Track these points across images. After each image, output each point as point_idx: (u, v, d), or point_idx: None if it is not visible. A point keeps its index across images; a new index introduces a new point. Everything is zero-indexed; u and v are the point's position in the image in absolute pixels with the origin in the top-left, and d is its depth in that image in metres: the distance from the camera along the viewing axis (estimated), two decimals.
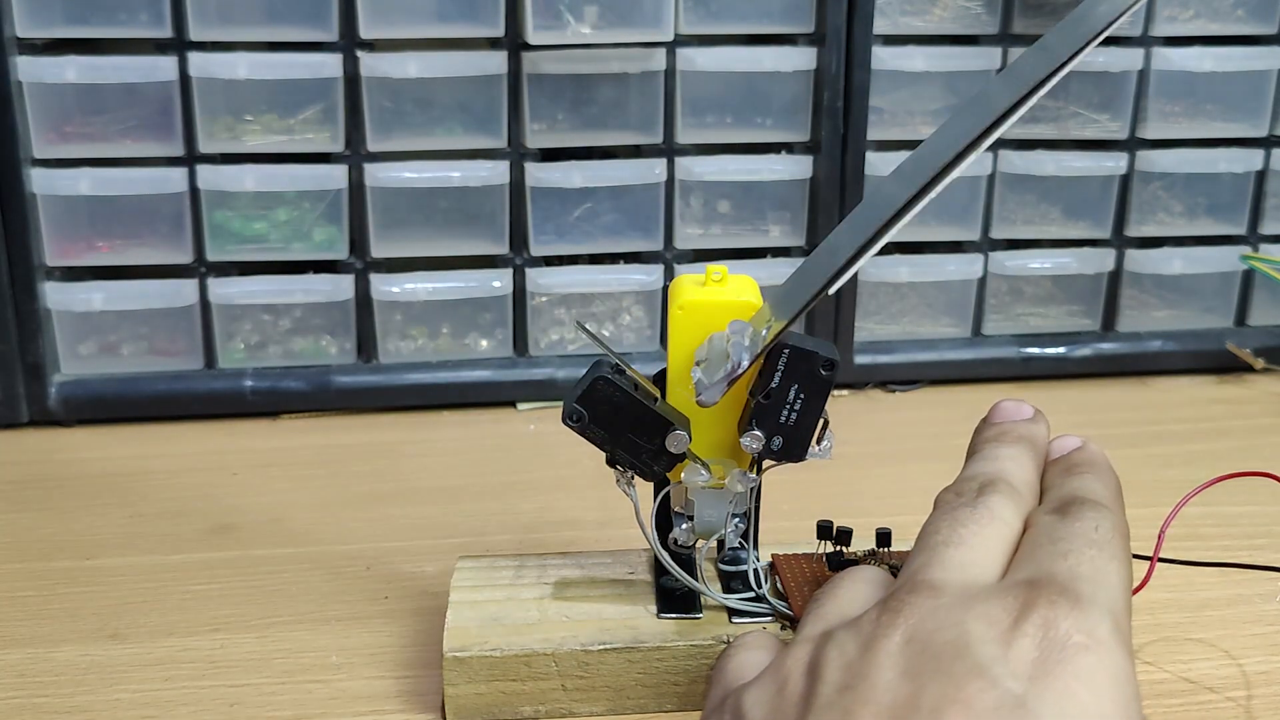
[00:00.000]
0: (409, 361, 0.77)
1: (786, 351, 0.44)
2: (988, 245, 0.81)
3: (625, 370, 0.45)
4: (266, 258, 0.74)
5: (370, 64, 0.71)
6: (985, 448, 0.41)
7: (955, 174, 0.41)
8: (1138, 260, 0.82)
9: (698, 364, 0.45)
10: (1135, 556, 0.50)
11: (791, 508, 0.53)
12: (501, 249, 0.76)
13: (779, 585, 0.49)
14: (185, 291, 0.74)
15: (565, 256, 0.77)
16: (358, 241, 0.75)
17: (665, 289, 0.77)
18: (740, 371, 0.44)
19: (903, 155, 0.76)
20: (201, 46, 0.70)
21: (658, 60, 0.73)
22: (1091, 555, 0.34)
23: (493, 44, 0.72)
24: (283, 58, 0.71)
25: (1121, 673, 0.31)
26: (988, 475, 0.39)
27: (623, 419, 0.44)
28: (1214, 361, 0.82)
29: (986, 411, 0.44)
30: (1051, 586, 0.32)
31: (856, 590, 0.39)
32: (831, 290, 0.42)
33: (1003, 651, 0.30)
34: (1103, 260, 0.82)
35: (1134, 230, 0.81)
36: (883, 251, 0.86)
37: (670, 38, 0.72)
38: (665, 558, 0.47)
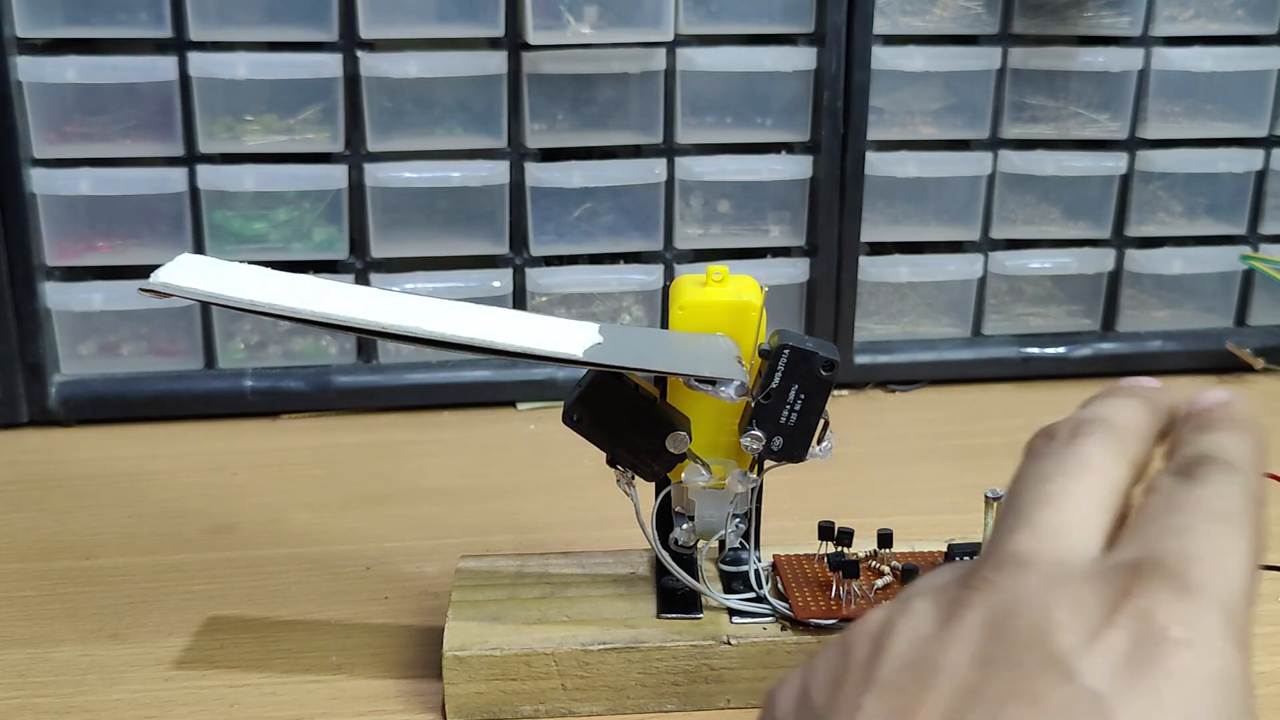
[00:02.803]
0: (409, 361, 0.77)
1: (787, 352, 0.44)
2: (988, 245, 0.80)
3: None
4: (266, 258, 0.74)
5: (370, 64, 0.71)
6: (1090, 400, 0.35)
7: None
8: (1138, 260, 0.82)
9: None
10: None
11: (792, 508, 0.53)
12: (501, 249, 0.76)
13: (780, 585, 0.49)
14: None
15: (565, 256, 0.77)
16: (358, 241, 0.75)
17: (665, 289, 0.77)
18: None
19: (903, 155, 0.77)
20: (201, 46, 0.70)
21: (658, 60, 0.73)
22: (1210, 531, 0.29)
23: (493, 44, 0.72)
24: (283, 58, 0.71)
25: (1225, 674, 0.27)
26: (1084, 417, 0.33)
27: (623, 419, 0.44)
28: (1214, 361, 0.82)
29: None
30: (1156, 570, 0.28)
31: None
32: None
33: (1086, 643, 0.27)
34: (1103, 260, 0.82)
35: (1134, 230, 0.81)
36: (883, 251, 0.86)
37: (670, 38, 0.72)
38: (666, 558, 0.47)
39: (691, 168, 0.75)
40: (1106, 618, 0.27)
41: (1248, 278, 0.83)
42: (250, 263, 0.46)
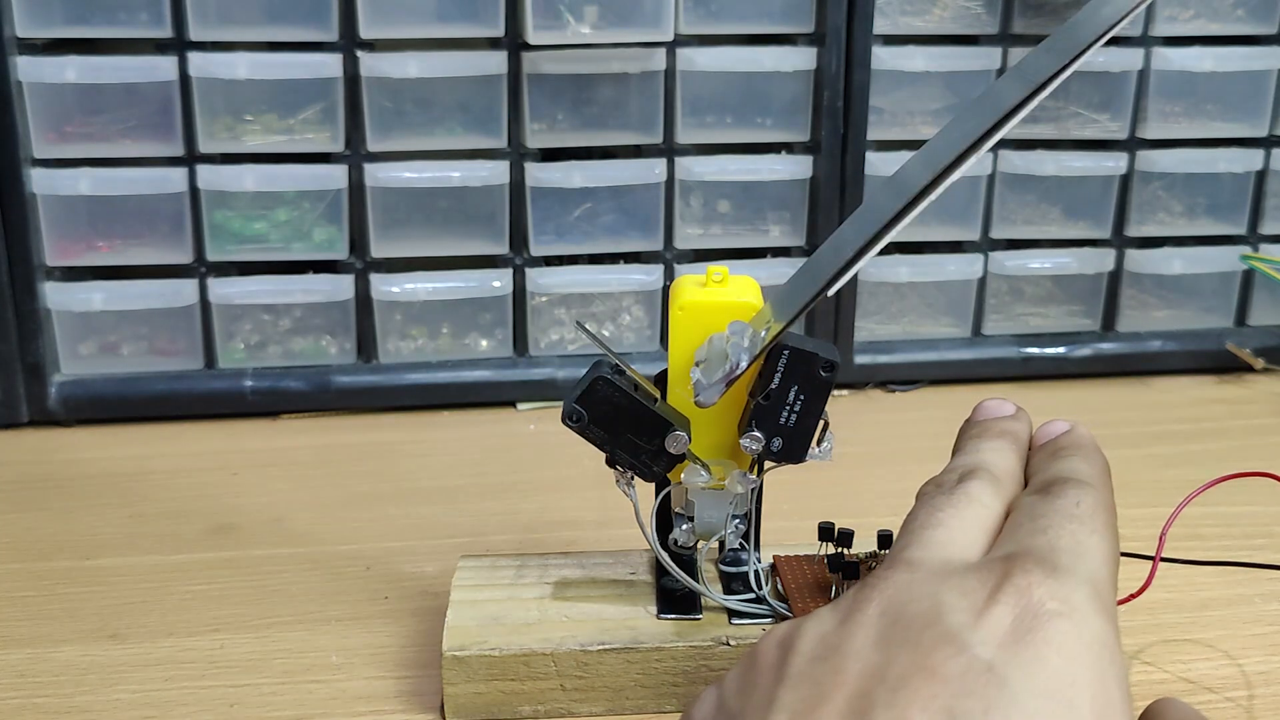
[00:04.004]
0: (409, 361, 0.77)
1: (786, 353, 0.44)
2: (988, 245, 0.81)
3: (625, 370, 0.45)
4: (266, 258, 0.74)
5: (370, 64, 0.71)
6: (967, 443, 0.41)
7: (960, 172, 0.41)
8: (1138, 260, 0.82)
9: (697, 364, 0.45)
10: (1137, 557, 0.50)
11: (792, 508, 0.53)
12: (501, 249, 0.76)
13: (780, 587, 0.49)
14: (185, 291, 0.74)
15: (565, 256, 0.77)
16: (358, 241, 0.75)
17: (665, 289, 0.77)
18: (739, 372, 0.44)
19: (903, 155, 0.77)
20: (201, 46, 0.70)
21: (658, 60, 0.73)
22: (1072, 529, 0.34)
23: (493, 44, 0.72)
24: (283, 58, 0.71)
25: (1098, 639, 0.30)
26: (967, 466, 0.39)
27: (622, 419, 0.44)
28: (1214, 361, 0.82)
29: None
30: (1028, 557, 0.32)
31: None
32: (832, 290, 0.42)
33: (975, 620, 0.30)
34: (1103, 260, 0.82)
35: (1134, 230, 0.81)
36: (883, 251, 0.86)
37: (670, 38, 0.72)
38: (665, 558, 0.47)
39: (691, 168, 0.75)
40: (990, 597, 0.31)
41: (1248, 278, 0.83)
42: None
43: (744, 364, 0.43)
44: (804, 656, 0.32)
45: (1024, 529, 0.34)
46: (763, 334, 0.43)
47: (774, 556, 0.50)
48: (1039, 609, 0.30)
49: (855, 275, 0.78)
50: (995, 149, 0.78)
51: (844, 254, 0.42)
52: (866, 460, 0.69)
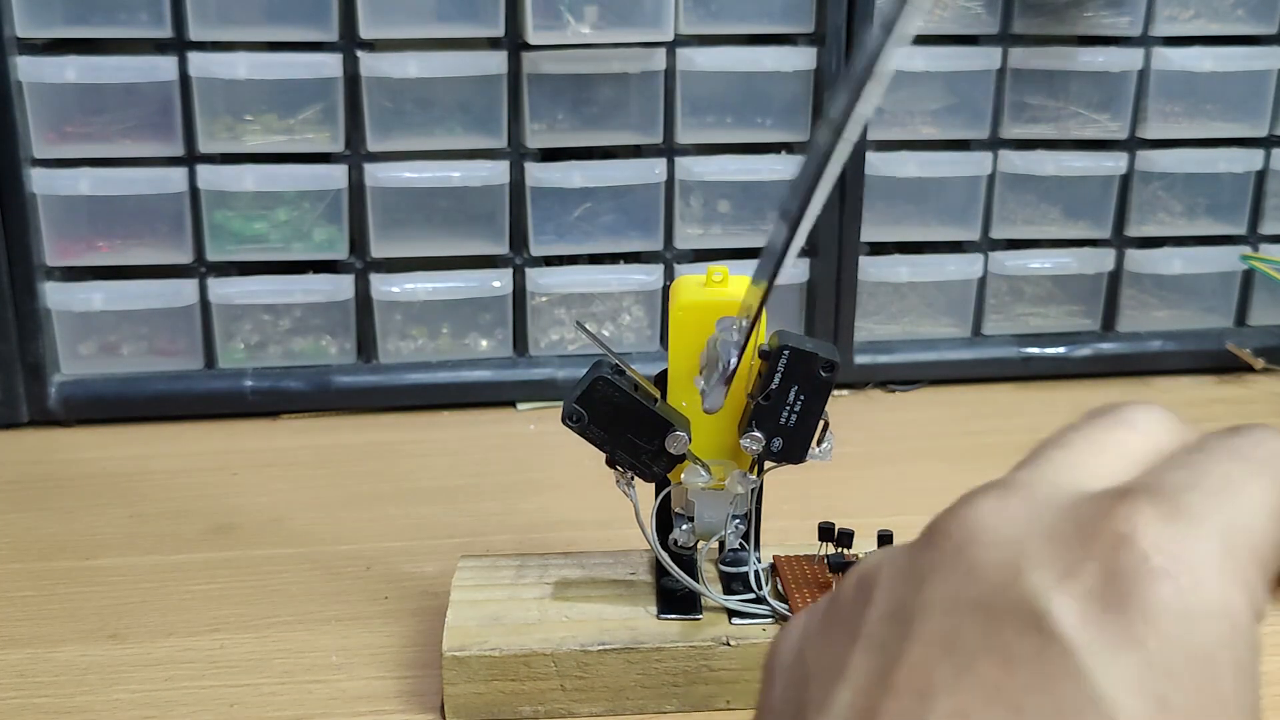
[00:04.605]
0: (409, 361, 0.77)
1: (786, 353, 0.44)
2: (988, 245, 0.80)
3: (625, 371, 0.45)
4: (266, 258, 0.74)
5: (370, 64, 0.71)
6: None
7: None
8: (1138, 260, 0.82)
9: (700, 371, 0.45)
10: None
11: (792, 508, 0.53)
12: (501, 249, 0.76)
13: (780, 587, 0.49)
14: (185, 291, 0.74)
15: (565, 256, 0.77)
16: (358, 241, 0.75)
17: (665, 289, 0.77)
18: (734, 366, 0.43)
19: (903, 155, 0.77)
20: (201, 46, 0.70)
21: (658, 60, 0.73)
22: (1226, 469, 0.25)
23: (493, 44, 0.72)
24: (283, 58, 0.71)
25: (1215, 614, 0.22)
26: (1133, 401, 0.29)
27: (622, 420, 0.44)
28: (1214, 361, 0.82)
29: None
30: (1143, 493, 0.23)
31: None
32: (792, 257, 0.40)
33: (1059, 580, 0.23)
34: (1103, 260, 0.82)
35: (1134, 230, 0.81)
36: (883, 251, 0.86)
37: (670, 38, 0.72)
38: (665, 559, 0.47)
39: (691, 168, 0.75)
40: (1081, 547, 0.23)
41: (1248, 278, 0.83)
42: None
43: (735, 357, 0.43)
44: (878, 609, 0.25)
45: (1170, 461, 0.26)
46: (744, 321, 0.43)
47: (774, 556, 0.50)
48: (1139, 567, 0.22)
49: (856, 276, 0.78)
50: (995, 149, 0.78)
51: (791, 220, 0.39)
52: (866, 460, 0.68)
